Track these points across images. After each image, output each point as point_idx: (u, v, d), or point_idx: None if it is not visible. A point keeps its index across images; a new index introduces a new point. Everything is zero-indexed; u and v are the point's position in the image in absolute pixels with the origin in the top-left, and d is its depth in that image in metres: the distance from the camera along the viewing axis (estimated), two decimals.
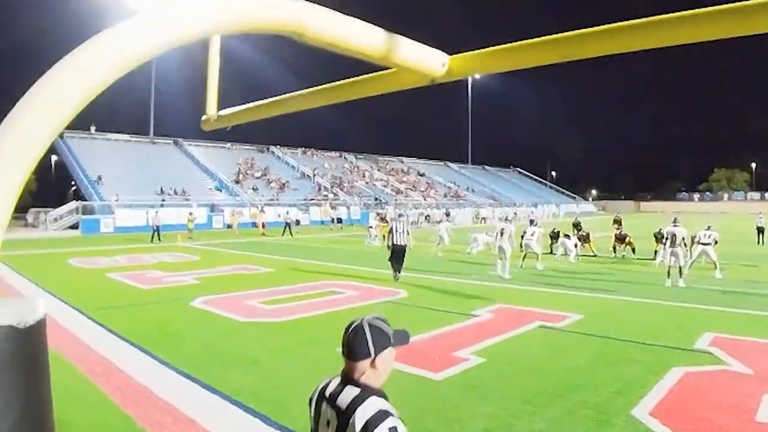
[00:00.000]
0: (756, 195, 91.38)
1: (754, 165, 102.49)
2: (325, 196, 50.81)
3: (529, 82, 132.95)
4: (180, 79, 68.37)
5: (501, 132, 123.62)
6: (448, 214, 43.64)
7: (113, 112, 58.96)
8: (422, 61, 2.82)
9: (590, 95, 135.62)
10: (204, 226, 37.84)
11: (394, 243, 14.05)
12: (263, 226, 33.34)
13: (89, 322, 9.62)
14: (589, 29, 2.64)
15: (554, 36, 2.75)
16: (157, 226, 28.23)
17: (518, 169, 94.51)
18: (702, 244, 15.37)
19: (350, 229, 38.00)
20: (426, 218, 41.35)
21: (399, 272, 14.02)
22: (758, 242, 24.70)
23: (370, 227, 27.74)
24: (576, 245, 19.57)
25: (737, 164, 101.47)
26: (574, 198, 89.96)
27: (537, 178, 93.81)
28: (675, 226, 13.99)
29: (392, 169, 68.84)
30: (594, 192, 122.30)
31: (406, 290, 12.50)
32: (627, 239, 20.04)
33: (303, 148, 63.63)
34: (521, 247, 17.09)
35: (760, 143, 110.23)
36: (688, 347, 7.63)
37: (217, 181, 47.13)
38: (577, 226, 22.95)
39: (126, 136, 50.93)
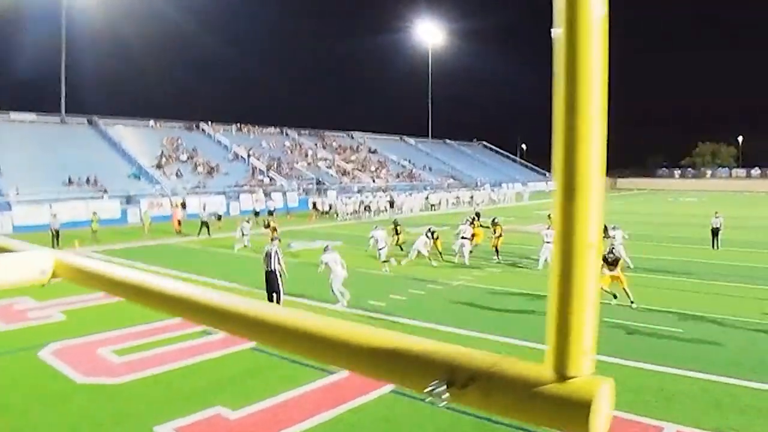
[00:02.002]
0: (741, 172, 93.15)
1: (740, 139, 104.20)
2: (260, 180, 50.85)
3: (498, 47, 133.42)
4: (97, 45, 67.08)
5: (466, 101, 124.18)
6: (392, 204, 44.17)
7: (19, 86, 57.75)
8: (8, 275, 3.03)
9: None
10: (117, 222, 37.67)
11: (266, 269, 14.61)
12: (179, 223, 33.36)
13: None
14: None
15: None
16: (56, 230, 28.00)
17: (483, 142, 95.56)
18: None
19: (282, 221, 38.20)
20: (366, 209, 41.67)
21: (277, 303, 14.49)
22: (712, 246, 24.81)
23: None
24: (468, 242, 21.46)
25: (723, 138, 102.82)
26: (544, 175, 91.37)
27: (504, 152, 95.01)
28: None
29: (339, 146, 69.01)
30: None
31: None
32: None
33: (238, 125, 63.32)
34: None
35: (749, 115, 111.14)
36: None
37: (135, 167, 46.74)
38: (478, 216, 24.68)
39: (32, 116, 49.95)
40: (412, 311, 14.53)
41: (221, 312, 1.84)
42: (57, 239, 27.68)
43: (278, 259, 14.70)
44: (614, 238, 18.77)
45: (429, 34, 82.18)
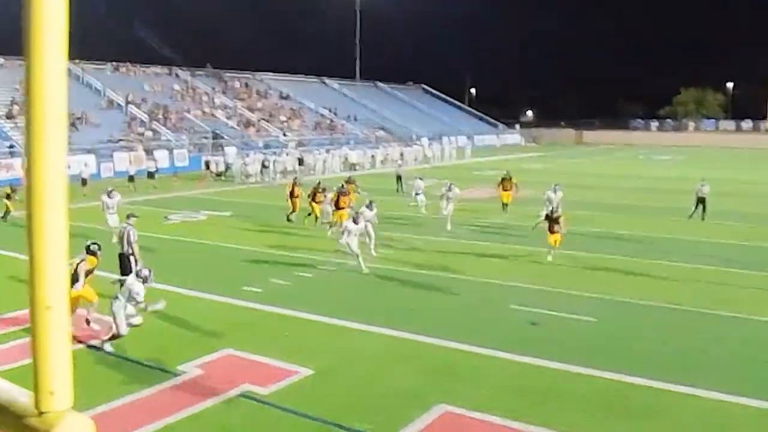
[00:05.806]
0: (730, 124, 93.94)
1: (731, 85, 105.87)
2: (141, 134, 50.31)
3: None
4: None
5: (403, 36, 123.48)
6: (301, 162, 44.48)
7: None
8: None
9: None
10: None
11: (120, 252, 15.09)
12: None
13: None
14: None
15: None
16: None
17: (423, 85, 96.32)
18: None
19: (167, 185, 38.01)
20: (264, 165, 41.83)
21: None
22: (692, 214, 25.76)
23: None
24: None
25: (710, 83, 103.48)
26: (495, 126, 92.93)
27: (448, 98, 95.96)
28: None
29: (244, 89, 68.66)
30: (530, 114, 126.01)
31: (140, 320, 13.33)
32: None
33: (115, 63, 62.20)
34: None
35: (741, 56, 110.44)
36: None
37: None
38: (348, 183, 26.04)
39: None
40: (295, 299, 14.90)
41: None
42: None
43: (129, 241, 14.99)
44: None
45: None
